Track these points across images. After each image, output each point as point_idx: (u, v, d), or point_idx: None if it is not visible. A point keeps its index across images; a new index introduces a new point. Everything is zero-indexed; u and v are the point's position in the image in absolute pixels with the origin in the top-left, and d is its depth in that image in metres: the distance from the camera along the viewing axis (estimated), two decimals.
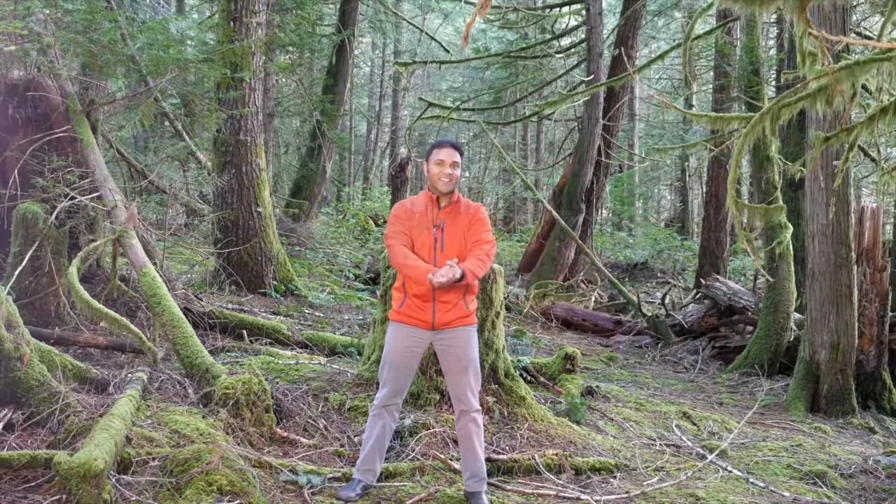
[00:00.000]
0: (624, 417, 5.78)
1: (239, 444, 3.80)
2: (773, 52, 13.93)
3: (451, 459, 4.17)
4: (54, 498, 3.04)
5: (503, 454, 4.35)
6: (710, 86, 17.06)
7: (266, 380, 4.35)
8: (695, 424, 5.96)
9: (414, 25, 20.44)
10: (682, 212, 23.35)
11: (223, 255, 8.42)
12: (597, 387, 6.35)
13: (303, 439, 4.24)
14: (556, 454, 4.39)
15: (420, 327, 3.66)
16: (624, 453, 4.85)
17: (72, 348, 5.14)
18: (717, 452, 5.00)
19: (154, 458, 3.41)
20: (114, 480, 3.18)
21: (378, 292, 5.27)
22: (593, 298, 12.88)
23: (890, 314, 7.17)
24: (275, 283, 8.68)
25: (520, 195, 24.96)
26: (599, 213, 17.08)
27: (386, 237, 3.74)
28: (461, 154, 3.76)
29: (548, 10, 15.91)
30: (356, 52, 16.86)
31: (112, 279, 5.91)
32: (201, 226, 11.06)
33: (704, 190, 16.17)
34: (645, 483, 4.33)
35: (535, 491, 3.97)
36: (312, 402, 4.67)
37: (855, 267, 6.91)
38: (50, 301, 5.48)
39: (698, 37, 10.77)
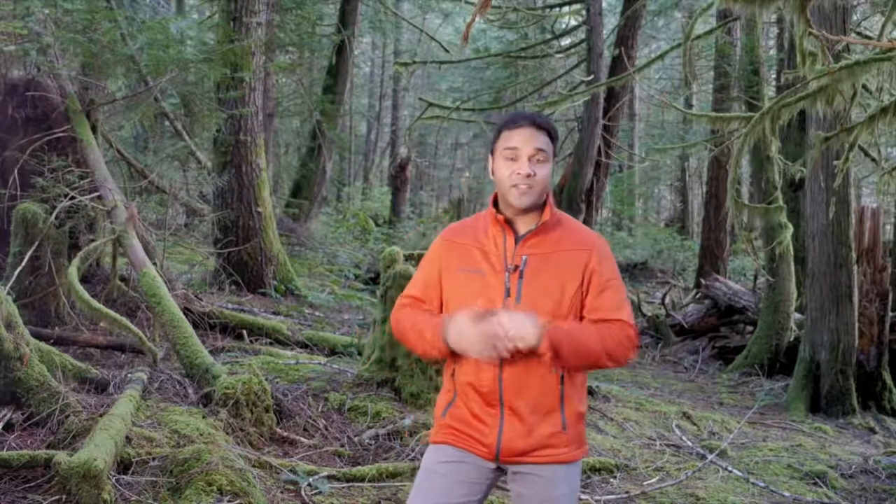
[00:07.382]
0: (624, 417, 5.78)
1: (239, 444, 3.80)
2: (773, 52, 13.94)
3: None
4: (54, 498, 3.03)
5: None
6: (710, 86, 17.06)
7: (266, 380, 4.35)
8: (695, 424, 5.96)
9: (414, 25, 20.44)
10: (682, 212, 23.37)
11: (223, 255, 8.42)
12: (597, 387, 6.35)
13: (303, 439, 4.23)
14: None
15: (475, 454, 2.06)
16: (624, 453, 4.85)
17: (72, 348, 5.13)
18: (717, 452, 4.99)
19: (154, 458, 3.40)
20: (114, 480, 3.18)
21: (378, 292, 5.26)
22: None
23: (890, 314, 7.17)
24: (275, 283, 8.67)
25: None
26: (599, 213, 17.06)
27: (398, 300, 2.26)
28: (553, 138, 2.09)
29: (548, 10, 15.90)
30: (356, 52, 16.85)
31: (112, 279, 5.91)
32: (201, 226, 11.05)
33: (704, 190, 16.18)
34: (645, 483, 4.33)
35: None
36: (312, 402, 4.67)
37: (855, 267, 6.91)
38: (50, 301, 5.47)
39: (698, 37, 10.75)
